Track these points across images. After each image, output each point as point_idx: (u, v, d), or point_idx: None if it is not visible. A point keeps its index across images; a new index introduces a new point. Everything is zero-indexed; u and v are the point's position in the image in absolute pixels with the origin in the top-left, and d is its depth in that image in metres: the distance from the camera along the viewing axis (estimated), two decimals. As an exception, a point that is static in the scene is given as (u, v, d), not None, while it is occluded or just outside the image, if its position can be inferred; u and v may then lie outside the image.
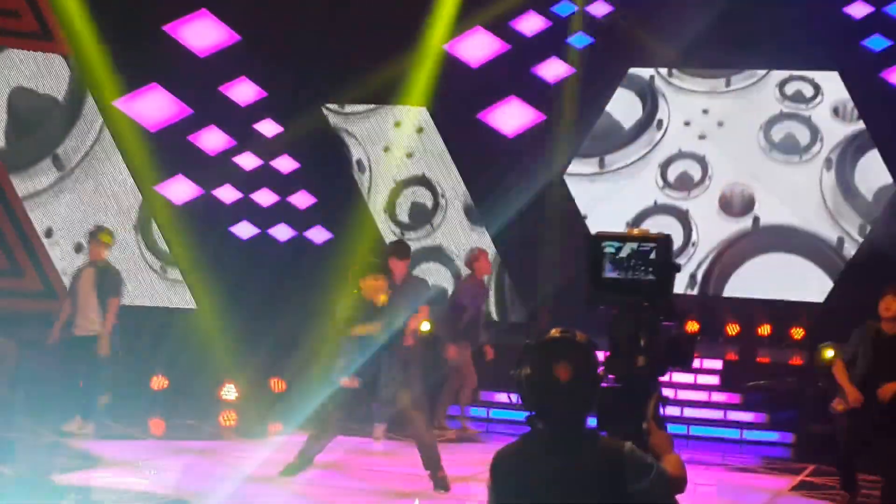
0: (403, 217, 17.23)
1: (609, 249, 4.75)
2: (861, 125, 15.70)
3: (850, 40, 15.13)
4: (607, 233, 4.80)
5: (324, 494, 9.80)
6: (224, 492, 9.65)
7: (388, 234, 17.03)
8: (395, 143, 17.19)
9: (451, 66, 16.27)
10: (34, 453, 10.89)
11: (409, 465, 10.31)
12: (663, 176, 16.37)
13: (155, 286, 16.09)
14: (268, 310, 15.05)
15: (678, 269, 4.86)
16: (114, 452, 11.24)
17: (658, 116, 16.49)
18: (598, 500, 3.97)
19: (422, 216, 17.11)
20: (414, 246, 14.06)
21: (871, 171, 15.62)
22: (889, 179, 15.43)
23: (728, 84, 16.31)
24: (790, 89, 16.07)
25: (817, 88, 15.99)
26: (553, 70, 16.18)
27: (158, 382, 14.35)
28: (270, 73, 16.43)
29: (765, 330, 15.22)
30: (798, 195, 15.88)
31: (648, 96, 16.48)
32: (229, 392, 14.35)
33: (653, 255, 4.74)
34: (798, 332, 15.40)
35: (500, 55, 16.21)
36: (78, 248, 15.27)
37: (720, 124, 16.29)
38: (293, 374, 13.79)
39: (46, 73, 15.68)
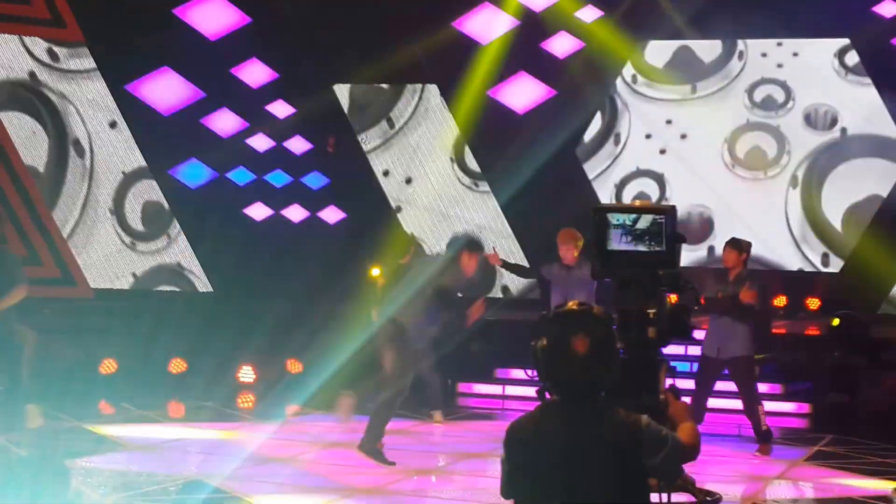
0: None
1: (614, 221, 4.74)
2: (834, 135, 15.53)
3: (861, 7, 15.03)
4: (611, 205, 4.80)
5: (339, 473, 9.83)
6: (241, 472, 9.69)
7: (402, 216, 17.00)
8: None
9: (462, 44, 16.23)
10: (52, 437, 10.96)
11: (425, 443, 10.32)
12: (618, 196, 16.12)
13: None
14: (283, 291, 15.07)
15: (684, 239, 4.85)
16: (133, 435, 11.30)
17: (616, 129, 16.27)
18: (613, 472, 3.98)
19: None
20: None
21: (840, 190, 15.38)
22: (859, 197, 15.27)
23: (694, 91, 16.06)
24: (759, 95, 15.84)
25: (789, 93, 15.77)
26: (562, 45, 16.12)
27: (177, 366, 14.42)
28: (281, 54, 16.43)
29: (780, 301, 15.16)
30: (761, 217, 15.54)
31: (608, 108, 16.30)
32: (247, 374, 14.39)
33: (659, 227, 4.74)
34: (814, 303, 15.36)
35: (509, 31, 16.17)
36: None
37: (683, 136, 16.05)
38: (310, 355, 13.81)
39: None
